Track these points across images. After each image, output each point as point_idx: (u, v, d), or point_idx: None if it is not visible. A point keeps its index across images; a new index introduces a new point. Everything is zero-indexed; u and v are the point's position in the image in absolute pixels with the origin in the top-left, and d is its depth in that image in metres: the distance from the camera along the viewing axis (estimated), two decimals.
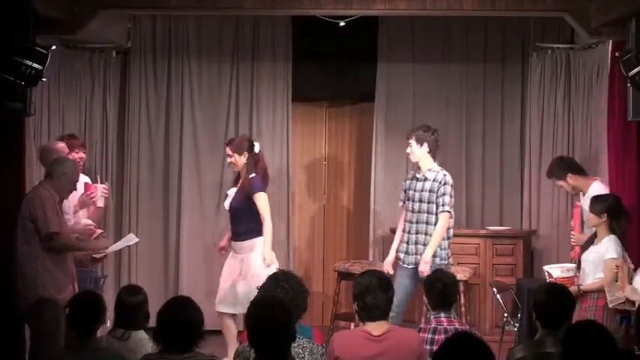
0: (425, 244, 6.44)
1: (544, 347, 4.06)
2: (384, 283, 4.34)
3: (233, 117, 8.39)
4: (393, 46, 8.41)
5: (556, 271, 5.91)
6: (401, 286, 6.38)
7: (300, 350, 3.98)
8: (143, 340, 4.50)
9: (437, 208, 6.44)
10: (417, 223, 6.53)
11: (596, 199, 5.80)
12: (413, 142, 6.54)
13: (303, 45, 8.35)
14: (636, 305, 5.25)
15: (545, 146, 8.03)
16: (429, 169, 6.54)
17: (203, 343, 3.95)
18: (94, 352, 4.25)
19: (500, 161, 8.42)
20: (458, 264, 7.60)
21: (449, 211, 6.44)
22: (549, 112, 8.02)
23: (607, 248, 5.62)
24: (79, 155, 6.56)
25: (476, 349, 3.11)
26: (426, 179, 6.53)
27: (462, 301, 7.36)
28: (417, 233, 6.53)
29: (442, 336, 4.67)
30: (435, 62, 8.42)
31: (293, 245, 8.50)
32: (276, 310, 3.56)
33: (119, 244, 6.70)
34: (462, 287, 7.05)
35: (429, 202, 6.48)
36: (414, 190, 6.58)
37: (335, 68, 8.48)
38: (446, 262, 6.47)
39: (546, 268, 6.08)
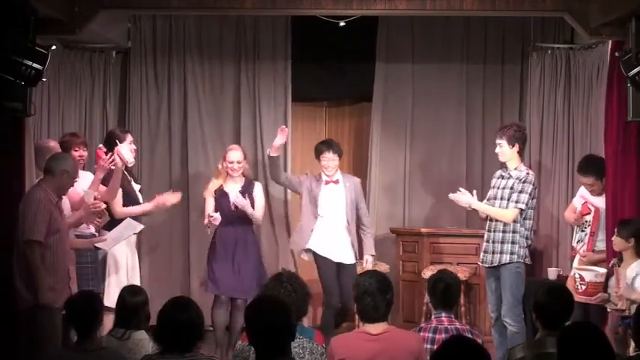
0: (502, 242, 6.43)
1: (545, 347, 4.05)
2: (384, 285, 4.34)
3: (234, 117, 8.38)
4: (392, 46, 8.40)
5: (589, 274, 5.83)
6: (488, 289, 6.53)
7: (300, 350, 3.99)
8: (143, 341, 4.50)
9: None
10: (496, 221, 6.50)
11: (623, 224, 5.76)
12: (504, 142, 6.51)
13: (303, 45, 8.34)
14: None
15: (544, 146, 8.01)
16: (515, 168, 6.53)
17: (202, 344, 3.95)
18: (94, 352, 4.25)
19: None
20: (458, 264, 7.60)
21: (521, 209, 6.37)
22: (549, 112, 8.01)
23: (637, 274, 5.54)
24: (78, 153, 6.52)
25: (472, 353, 3.12)
26: (509, 177, 6.53)
27: (462, 301, 7.37)
28: (495, 231, 6.49)
29: (443, 335, 4.69)
30: (434, 62, 8.41)
31: None
32: (275, 309, 3.56)
33: (118, 235, 6.33)
34: (462, 287, 7.04)
35: (508, 200, 6.47)
36: (498, 188, 6.58)
37: (335, 68, 8.48)
38: (522, 260, 6.43)
39: (578, 270, 5.94)
